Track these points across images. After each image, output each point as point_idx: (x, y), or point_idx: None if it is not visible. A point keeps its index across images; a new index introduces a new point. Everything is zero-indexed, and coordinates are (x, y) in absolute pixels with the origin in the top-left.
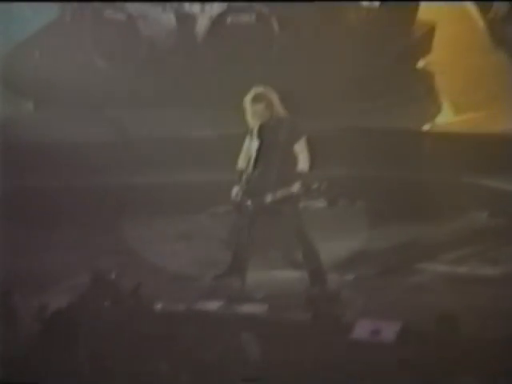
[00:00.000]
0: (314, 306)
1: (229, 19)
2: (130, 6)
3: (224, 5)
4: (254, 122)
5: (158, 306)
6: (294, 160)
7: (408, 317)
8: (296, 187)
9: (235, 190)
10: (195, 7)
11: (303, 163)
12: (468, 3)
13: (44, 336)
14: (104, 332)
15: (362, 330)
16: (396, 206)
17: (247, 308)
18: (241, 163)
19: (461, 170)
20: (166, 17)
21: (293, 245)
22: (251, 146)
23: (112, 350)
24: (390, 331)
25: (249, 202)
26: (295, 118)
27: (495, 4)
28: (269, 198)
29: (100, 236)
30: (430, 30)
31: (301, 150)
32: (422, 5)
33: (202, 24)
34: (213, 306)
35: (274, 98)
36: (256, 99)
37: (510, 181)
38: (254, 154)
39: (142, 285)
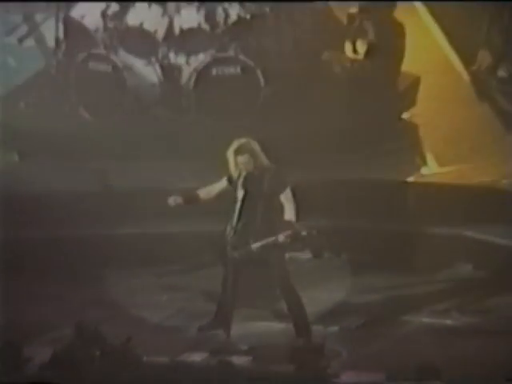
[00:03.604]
0: (299, 358)
1: (214, 71)
2: (115, 57)
3: (209, 57)
4: (237, 173)
5: (143, 358)
6: (278, 210)
7: (393, 369)
8: (284, 235)
9: (171, 198)
10: (180, 59)
11: (290, 213)
12: (453, 55)
13: None
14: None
15: (346, 382)
16: (381, 257)
17: (231, 360)
18: (201, 193)
19: (445, 222)
20: (152, 68)
21: (278, 296)
22: (236, 196)
23: None
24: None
25: (235, 253)
26: (279, 168)
27: (479, 56)
28: (255, 247)
29: (84, 288)
30: (415, 82)
31: (287, 200)
32: (407, 57)
33: (187, 76)
34: (197, 358)
35: (257, 149)
36: (239, 151)
37: (494, 233)
38: (238, 204)
39: (126, 336)
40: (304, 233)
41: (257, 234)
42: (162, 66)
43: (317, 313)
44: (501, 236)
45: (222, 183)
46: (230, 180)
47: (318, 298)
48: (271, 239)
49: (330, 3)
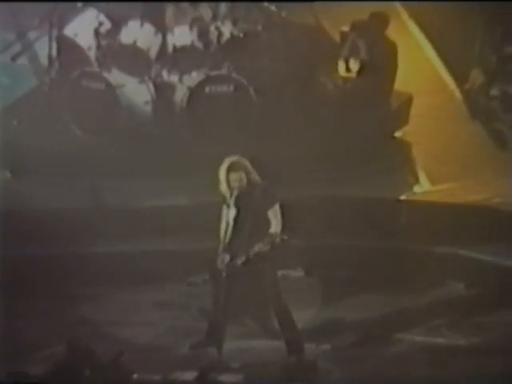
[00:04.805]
0: (291, 376)
1: (207, 89)
2: (108, 75)
3: (202, 75)
4: (230, 191)
5: (134, 376)
6: (266, 226)
7: None
8: (260, 244)
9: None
10: (173, 77)
11: (275, 227)
12: (445, 74)
13: None
14: None
15: None
16: (373, 275)
17: (223, 378)
18: (222, 234)
19: (437, 240)
20: (145, 86)
21: (269, 314)
22: (228, 214)
23: None
24: None
25: (224, 270)
26: (269, 185)
27: (472, 75)
28: (239, 262)
29: (75, 305)
30: (408, 101)
31: (274, 215)
32: (399, 75)
33: (181, 94)
34: (189, 376)
35: (249, 166)
36: (232, 168)
37: (486, 251)
38: (231, 223)
39: (119, 354)
40: (277, 239)
41: (245, 249)
42: (155, 84)
43: (309, 330)
44: (492, 254)
45: (228, 211)
46: (224, 200)
47: (309, 316)
48: (252, 251)
49: (323, 20)
